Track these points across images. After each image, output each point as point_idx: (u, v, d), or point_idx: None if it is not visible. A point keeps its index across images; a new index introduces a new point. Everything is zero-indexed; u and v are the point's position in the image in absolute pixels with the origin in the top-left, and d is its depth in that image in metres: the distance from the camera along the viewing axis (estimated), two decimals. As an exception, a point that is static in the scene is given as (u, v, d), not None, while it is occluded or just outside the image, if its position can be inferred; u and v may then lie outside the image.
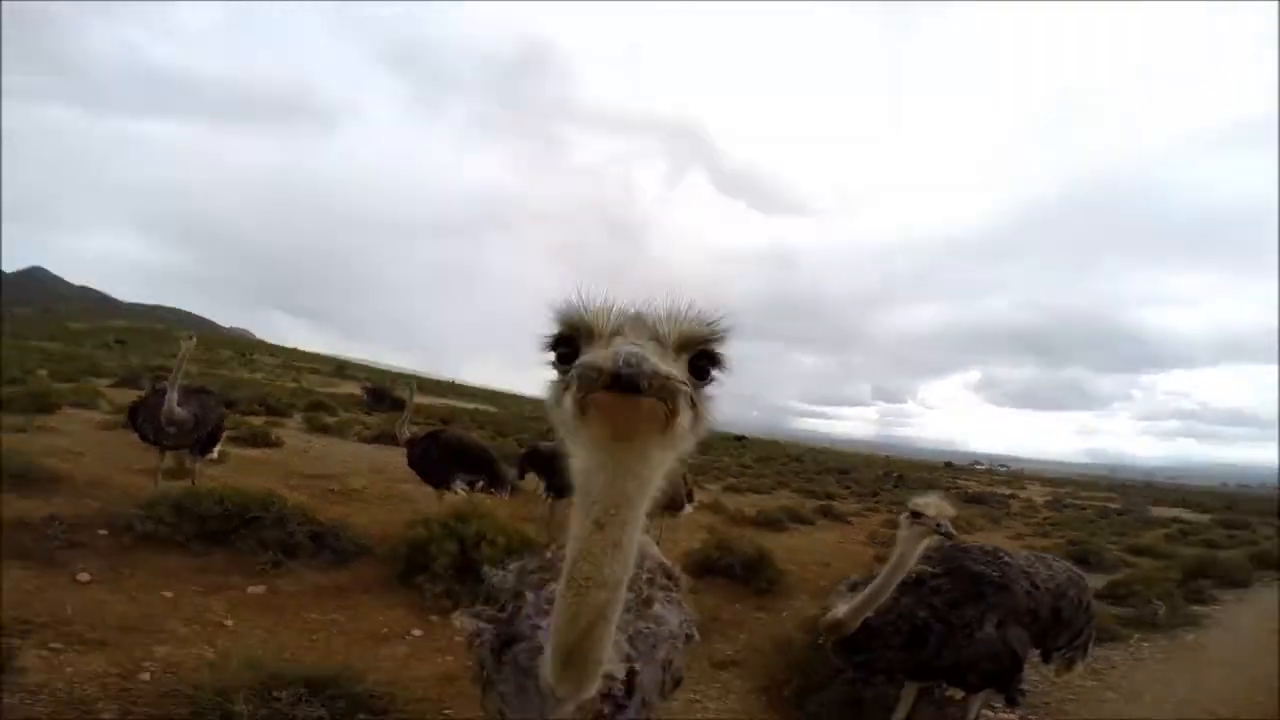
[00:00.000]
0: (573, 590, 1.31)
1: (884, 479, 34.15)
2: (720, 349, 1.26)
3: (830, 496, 19.69)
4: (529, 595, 2.03)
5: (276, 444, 11.45)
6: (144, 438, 6.22)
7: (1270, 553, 11.76)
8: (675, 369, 1.16)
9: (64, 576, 4.17)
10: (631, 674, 1.96)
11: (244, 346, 79.31)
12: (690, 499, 9.03)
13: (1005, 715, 4.37)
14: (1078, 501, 33.21)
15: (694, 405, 1.20)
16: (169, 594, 4.23)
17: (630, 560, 1.32)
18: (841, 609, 3.32)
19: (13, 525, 4.56)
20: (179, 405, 5.97)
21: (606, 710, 1.85)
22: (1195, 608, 8.06)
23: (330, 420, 16.88)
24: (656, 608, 2.18)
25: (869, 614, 3.28)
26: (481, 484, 7.38)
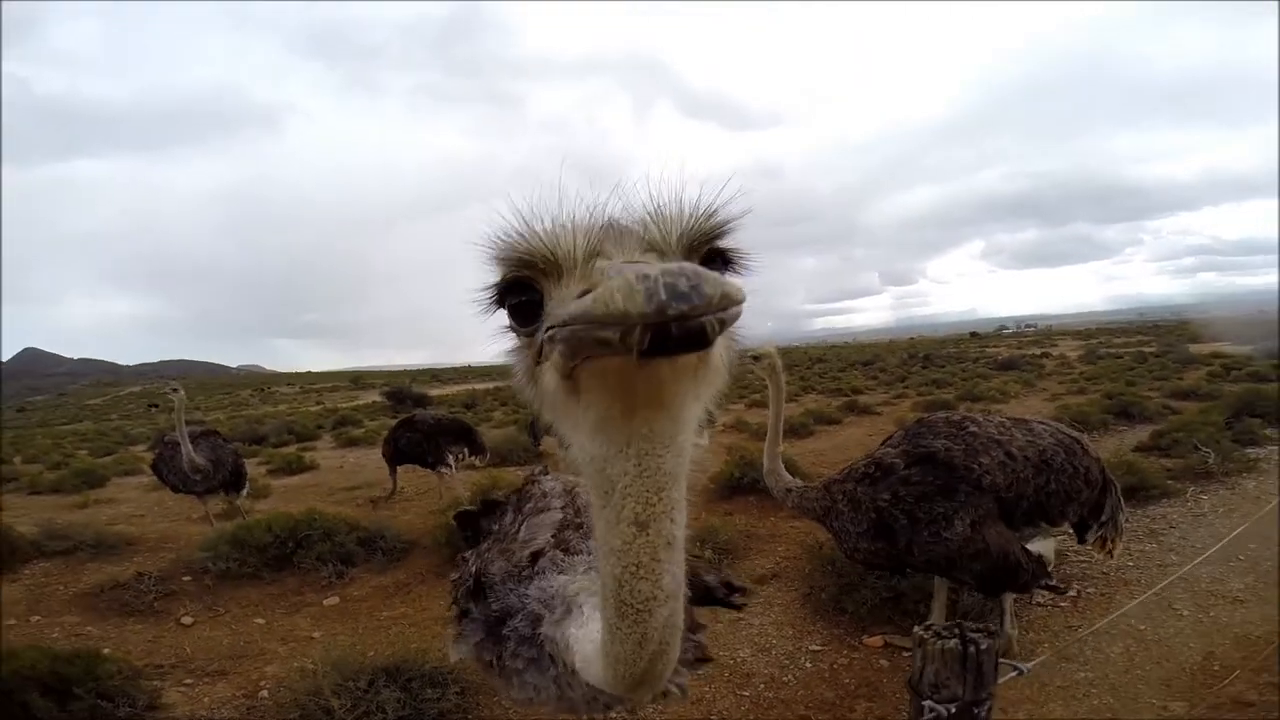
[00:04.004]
0: (628, 619, 0.94)
1: (910, 361, 33.93)
2: (734, 244, 0.88)
3: (856, 391, 19.34)
4: (497, 568, 1.93)
5: (312, 467, 12.06)
6: (175, 489, 6.81)
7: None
8: None
9: (170, 622, 4.75)
10: None
11: (260, 381, 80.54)
12: (709, 422, 9.54)
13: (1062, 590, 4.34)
14: (1112, 350, 31.94)
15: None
16: (260, 620, 4.78)
17: (683, 553, 0.94)
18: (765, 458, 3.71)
19: (112, 587, 5.15)
20: (195, 453, 6.48)
21: None
22: (1249, 450, 7.48)
23: (358, 433, 17.57)
24: None
25: (779, 455, 3.73)
26: (465, 452, 8.08)
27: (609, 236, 0.81)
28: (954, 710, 1.11)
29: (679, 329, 0.58)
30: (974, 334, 73.74)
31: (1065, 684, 3.33)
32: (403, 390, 29.55)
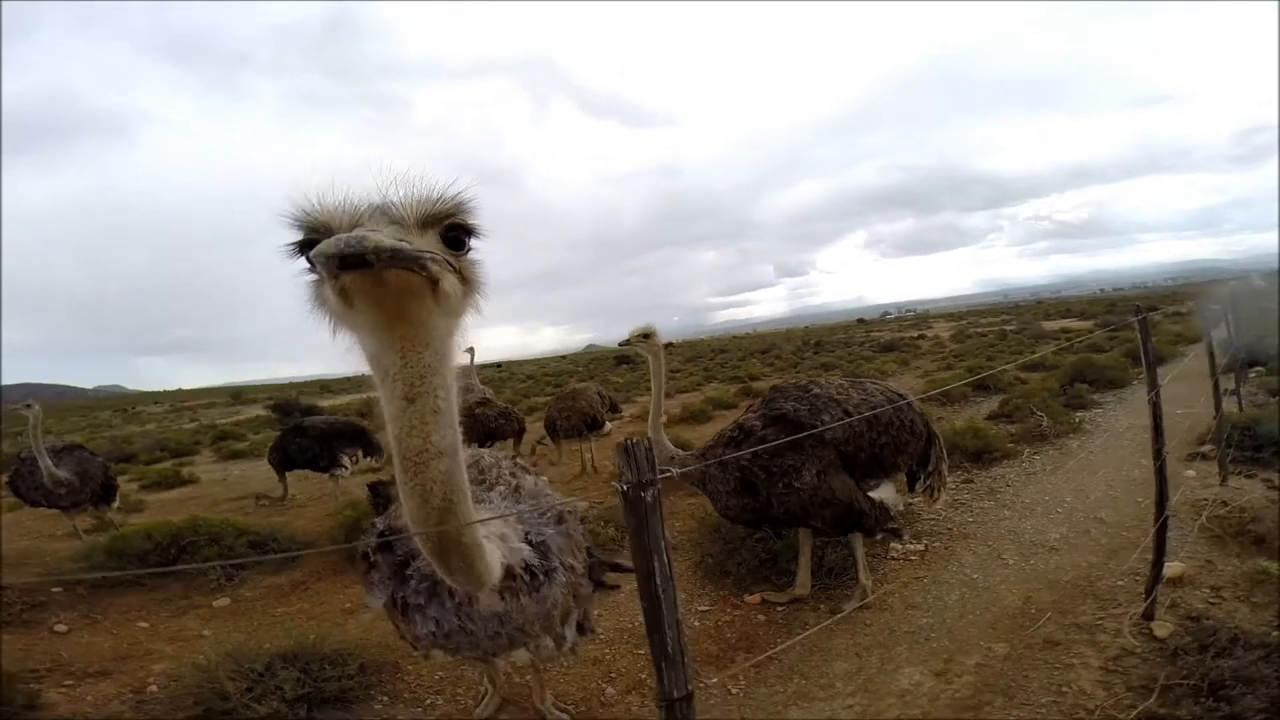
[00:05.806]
0: (410, 470, 1.33)
1: (803, 348, 35.29)
2: (469, 219, 1.29)
3: (752, 378, 20.06)
4: (401, 522, 1.96)
5: (192, 481, 11.32)
6: (35, 505, 6.40)
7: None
8: (422, 243, 1.20)
9: (43, 632, 4.44)
10: (542, 544, 2.10)
11: (122, 402, 73.56)
12: (615, 410, 9.78)
13: (913, 545, 4.75)
14: (979, 330, 34.90)
15: (460, 273, 1.28)
16: (145, 624, 4.56)
17: (455, 425, 1.37)
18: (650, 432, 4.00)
19: (-33, 607, 4.73)
20: (57, 467, 6.14)
21: (530, 579, 1.99)
22: (1078, 414, 8.42)
23: (241, 446, 16.57)
24: (529, 484, 2.43)
25: (661, 426, 4.06)
26: (360, 454, 8.07)
27: (369, 214, 1.21)
28: (628, 489, 1.47)
29: (347, 256, 1.03)
30: (861, 320, 78.09)
31: (911, 629, 3.66)
32: (289, 403, 27.96)
